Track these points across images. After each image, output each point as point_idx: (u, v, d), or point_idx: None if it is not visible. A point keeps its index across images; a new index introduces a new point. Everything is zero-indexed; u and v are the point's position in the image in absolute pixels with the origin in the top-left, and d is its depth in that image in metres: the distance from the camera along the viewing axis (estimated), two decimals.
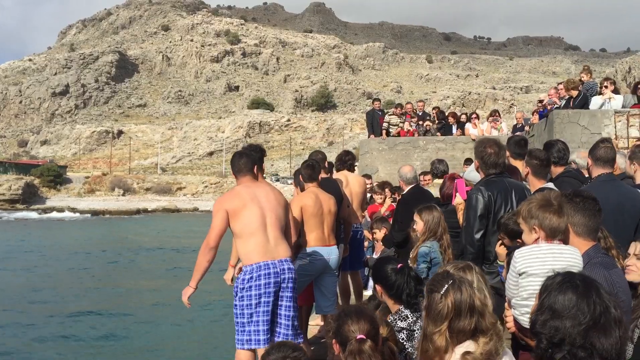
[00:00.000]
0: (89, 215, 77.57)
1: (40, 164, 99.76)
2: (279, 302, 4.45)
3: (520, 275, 2.92)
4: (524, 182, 4.81)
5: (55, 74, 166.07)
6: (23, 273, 28.86)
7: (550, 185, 4.53)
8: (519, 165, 4.91)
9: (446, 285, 2.27)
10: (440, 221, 5.05)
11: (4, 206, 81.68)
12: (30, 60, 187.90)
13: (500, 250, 4.08)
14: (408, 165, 6.98)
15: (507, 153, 5.03)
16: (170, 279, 26.48)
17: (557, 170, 5.10)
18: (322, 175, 6.50)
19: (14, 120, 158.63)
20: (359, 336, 2.69)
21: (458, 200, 5.79)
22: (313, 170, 5.80)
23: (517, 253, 3.00)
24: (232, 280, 4.99)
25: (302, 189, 5.92)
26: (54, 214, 77.06)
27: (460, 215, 5.55)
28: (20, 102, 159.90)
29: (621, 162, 5.38)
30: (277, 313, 4.45)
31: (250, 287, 4.32)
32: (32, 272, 29.04)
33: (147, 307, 21.27)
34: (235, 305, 4.40)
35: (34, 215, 76.11)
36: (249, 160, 4.74)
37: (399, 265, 3.76)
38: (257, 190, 4.62)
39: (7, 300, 22.49)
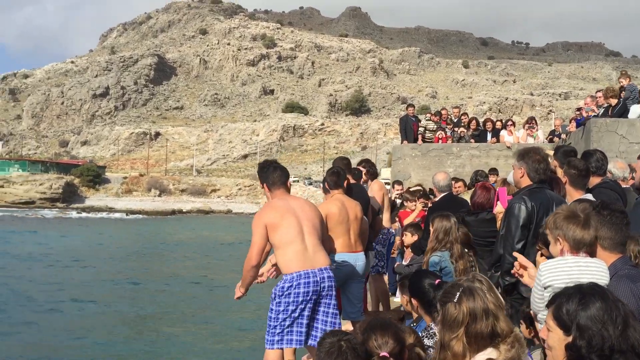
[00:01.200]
0: (139, 215, 79.58)
1: (80, 164, 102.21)
2: (317, 308, 4.50)
3: (545, 288, 2.89)
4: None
5: (96, 76, 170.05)
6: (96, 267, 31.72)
7: (589, 196, 4.45)
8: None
9: (458, 294, 2.28)
10: (451, 231, 5.02)
11: (45, 204, 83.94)
12: (72, 62, 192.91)
13: (540, 260, 4.04)
14: (443, 172, 6.93)
15: (556, 162, 4.99)
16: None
17: (594, 180, 5.02)
18: (351, 180, 6.56)
19: (55, 120, 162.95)
20: (382, 354, 2.72)
21: (499, 209, 5.75)
22: (338, 177, 5.83)
23: (543, 266, 2.98)
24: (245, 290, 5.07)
25: None
26: (109, 214, 79.24)
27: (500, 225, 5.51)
28: (62, 103, 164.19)
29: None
30: (315, 318, 4.51)
31: (290, 294, 4.39)
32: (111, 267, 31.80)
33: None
34: (271, 309, 4.49)
35: (84, 214, 78.21)
36: (283, 174, 4.83)
37: (437, 281, 3.71)
38: (292, 201, 4.72)
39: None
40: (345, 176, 5.97)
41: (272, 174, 4.79)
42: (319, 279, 4.44)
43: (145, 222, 68.40)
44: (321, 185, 6.14)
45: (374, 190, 7.36)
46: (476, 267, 5.18)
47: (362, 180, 7.27)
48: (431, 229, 5.07)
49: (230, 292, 5.10)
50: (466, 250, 5.22)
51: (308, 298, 4.41)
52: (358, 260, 5.63)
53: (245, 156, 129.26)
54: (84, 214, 77.91)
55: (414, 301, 3.77)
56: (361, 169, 7.38)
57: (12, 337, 17.35)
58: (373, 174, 7.61)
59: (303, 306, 4.41)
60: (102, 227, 57.56)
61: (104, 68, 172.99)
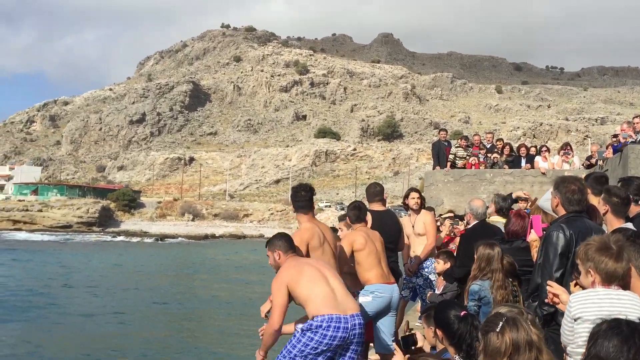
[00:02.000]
0: (184, 238, 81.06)
1: (116, 189, 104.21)
2: (344, 354, 4.35)
3: (575, 320, 2.83)
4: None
5: (133, 102, 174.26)
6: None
7: (629, 225, 4.35)
8: (597, 202, 4.76)
9: (501, 323, 2.24)
10: (494, 260, 4.93)
11: (82, 228, 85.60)
12: (110, 89, 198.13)
13: (574, 290, 3.95)
14: (480, 200, 6.86)
15: (587, 190, 4.90)
16: None
17: (635, 209, 4.89)
18: (380, 207, 6.59)
19: (93, 146, 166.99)
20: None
21: (533, 237, 5.64)
22: (360, 211, 5.79)
23: (573, 298, 2.91)
24: (266, 314, 5.02)
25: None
26: (143, 238, 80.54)
27: (534, 253, 5.40)
28: (100, 129, 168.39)
29: None
30: None
31: (317, 332, 4.25)
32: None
33: None
34: (294, 335, 4.41)
35: (118, 237, 79.44)
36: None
37: (462, 313, 3.65)
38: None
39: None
40: (366, 210, 5.94)
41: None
42: (349, 325, 4.28)
43: (179, 246, 69.15)
44: (340, 221, 6.20)
45: (428, 221, 7.53)
46: (520, 297, 5.06)
47: (414, 208, 7.52)
48: (475, 256, 5.00)
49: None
50: (510, 280, 5.11)
51: (334, 342, 4.24)
52: (394, 292, 5.49)
53: (277, 181, 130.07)
54: (118, 238, 79.16)
55: (438, 332, 3.72)
56: (415, 195, 7.59)
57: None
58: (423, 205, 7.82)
59: (325, 348, 4.24)
60: (139, 251, 58.71)
61: (141, 95, 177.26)
